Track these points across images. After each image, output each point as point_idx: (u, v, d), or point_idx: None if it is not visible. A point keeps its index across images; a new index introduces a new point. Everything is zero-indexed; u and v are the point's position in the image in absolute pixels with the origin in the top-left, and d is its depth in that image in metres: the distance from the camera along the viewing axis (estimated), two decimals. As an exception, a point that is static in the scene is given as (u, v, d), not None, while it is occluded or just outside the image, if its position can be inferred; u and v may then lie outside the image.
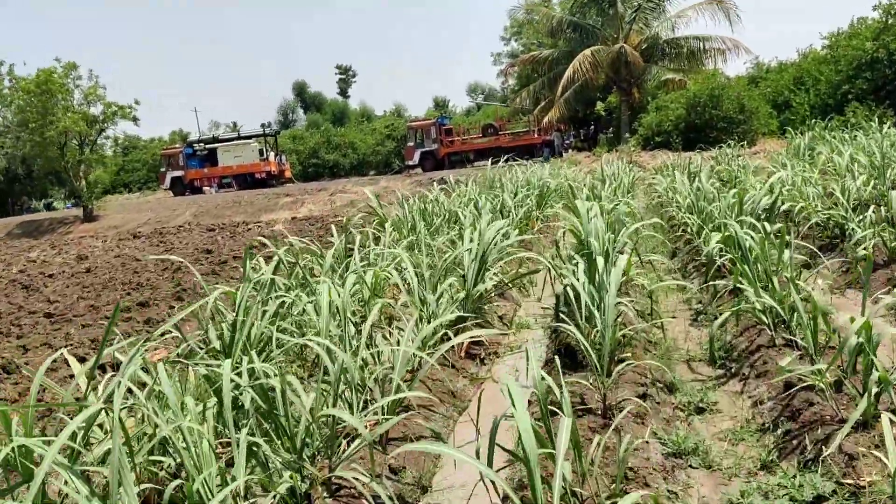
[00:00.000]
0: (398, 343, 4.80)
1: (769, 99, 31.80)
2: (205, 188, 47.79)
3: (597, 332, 5.14)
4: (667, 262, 9.21)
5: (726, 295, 6.66)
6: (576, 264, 5.70)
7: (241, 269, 6.54)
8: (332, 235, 10.50)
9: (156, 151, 60.72)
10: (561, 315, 5.57)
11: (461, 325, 6.19)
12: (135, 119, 32.26)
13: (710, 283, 6.55)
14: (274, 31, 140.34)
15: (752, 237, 5.82)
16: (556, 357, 5.10)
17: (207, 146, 48.94)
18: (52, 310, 10.32)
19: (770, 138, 27.79)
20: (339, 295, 4.58)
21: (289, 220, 22.00)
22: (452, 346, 5.92)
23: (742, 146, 22.14)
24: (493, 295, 7.53)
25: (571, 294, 5.41)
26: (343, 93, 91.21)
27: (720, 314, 6.59)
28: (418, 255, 8.76)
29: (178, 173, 48.56)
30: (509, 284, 7.81)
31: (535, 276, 8.23)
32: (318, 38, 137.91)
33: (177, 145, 54.77)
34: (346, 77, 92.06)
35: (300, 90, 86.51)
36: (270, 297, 4.87)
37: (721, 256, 6.87)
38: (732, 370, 5.21)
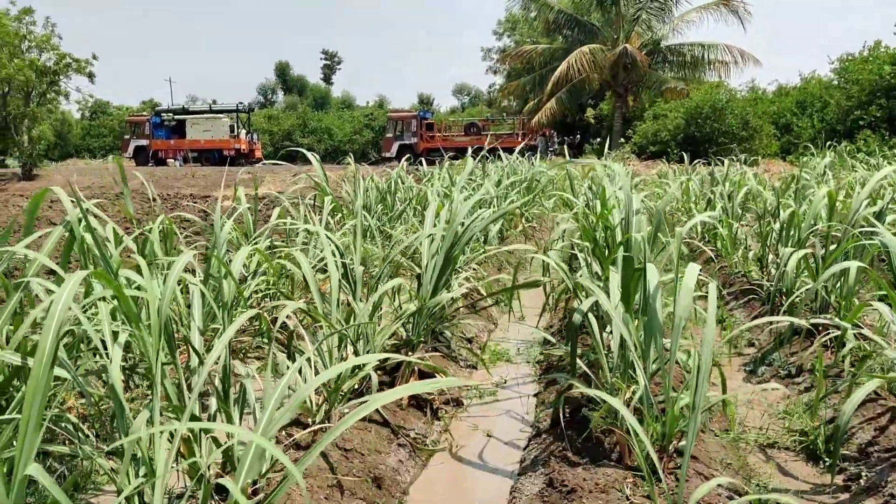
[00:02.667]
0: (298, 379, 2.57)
1: (771, 120, 29.94)
2: (169, 160, 45.16)
3: (634, 392, 2.94)
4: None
5: (802, 338, 4.52)
6: (601, 276, 3.50)
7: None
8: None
9: (123, 118, 57.82)
10: (555, 361, 3.33)
11: (409, 354, 3.95)
12: (90, 75, 29.57)
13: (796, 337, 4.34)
14: (260, 8, 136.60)
15: None
16: (553, 439, 2.91)
17: (176, 117, 46.56)
18: None
19: (772, 160, 25.86)
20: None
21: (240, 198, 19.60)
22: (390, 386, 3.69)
23: (752, 164, 20.11)
24: (460, 307, 5.30)
25: (595, 326, 3.19)
26: (327, 79, 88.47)
27: (794, 369, 4.43)
28: (369, 245, 6.56)
29: (143, 142, 46.02)
30: (484, 298, 5.57)
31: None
32: (305, 19, 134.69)
33: (144, 113, 52.08)
34: (331, 63, 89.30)
35: (282, 71, 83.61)
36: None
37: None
38: (863, 481, 3.02)
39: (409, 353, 3.82)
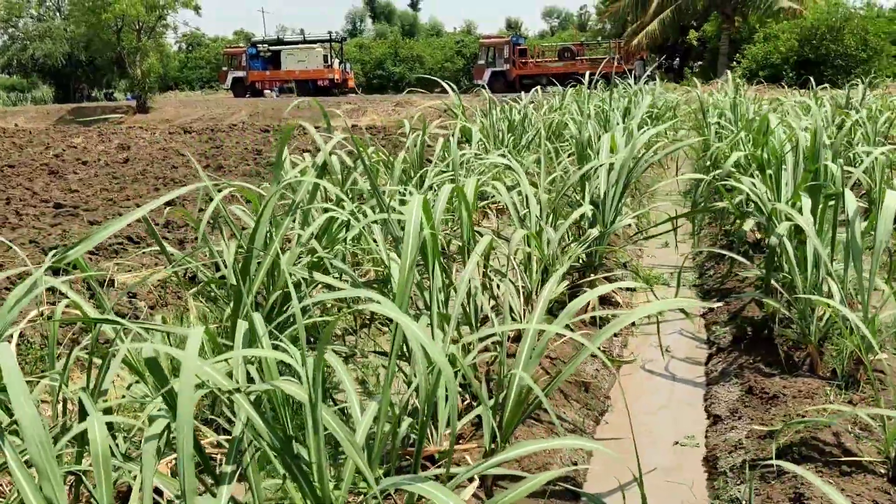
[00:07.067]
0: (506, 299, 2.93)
1: (891, 39, 28.25)
2: (265, 91, 46.11)
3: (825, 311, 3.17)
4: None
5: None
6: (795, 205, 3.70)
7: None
8: (398, 148, 8.64)
9: (219, 50, 59.04)
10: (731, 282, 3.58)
11: (584, 278, 4.28)
12: (196, 8, 30.55)
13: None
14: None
15: None
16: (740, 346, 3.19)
17: (271, 48, 47.18)
18: (66, 200, 8.76)
19: (893, 83, 24.56)
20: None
21: (348, 129, 20.13)
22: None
23: (872, 87, 19.19)
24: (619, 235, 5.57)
25: (789, 247, 3.40)
26: (413, 5, 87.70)
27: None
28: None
29: (240, 74, 46.87)
30: (642, 229, 5.80)
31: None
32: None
33: (241, 45, 53.07)
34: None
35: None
36: (312, 208, 3.00)
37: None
38: None
39: (592, 274, 4.14)
